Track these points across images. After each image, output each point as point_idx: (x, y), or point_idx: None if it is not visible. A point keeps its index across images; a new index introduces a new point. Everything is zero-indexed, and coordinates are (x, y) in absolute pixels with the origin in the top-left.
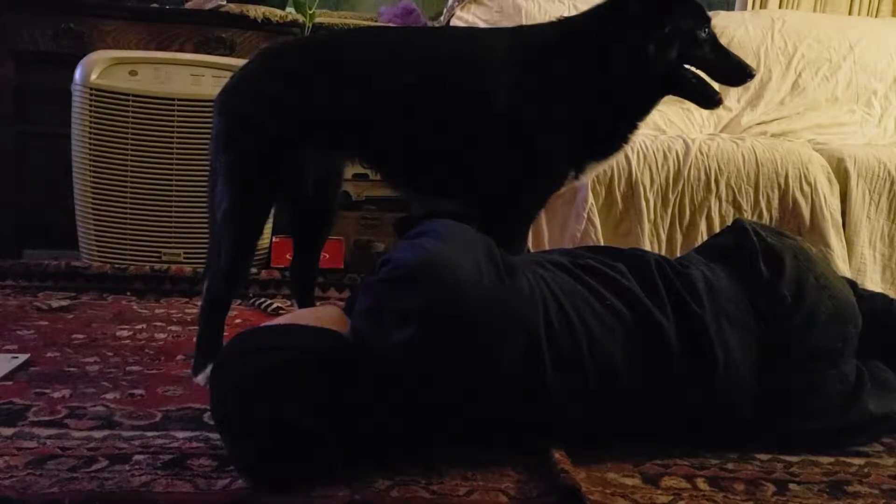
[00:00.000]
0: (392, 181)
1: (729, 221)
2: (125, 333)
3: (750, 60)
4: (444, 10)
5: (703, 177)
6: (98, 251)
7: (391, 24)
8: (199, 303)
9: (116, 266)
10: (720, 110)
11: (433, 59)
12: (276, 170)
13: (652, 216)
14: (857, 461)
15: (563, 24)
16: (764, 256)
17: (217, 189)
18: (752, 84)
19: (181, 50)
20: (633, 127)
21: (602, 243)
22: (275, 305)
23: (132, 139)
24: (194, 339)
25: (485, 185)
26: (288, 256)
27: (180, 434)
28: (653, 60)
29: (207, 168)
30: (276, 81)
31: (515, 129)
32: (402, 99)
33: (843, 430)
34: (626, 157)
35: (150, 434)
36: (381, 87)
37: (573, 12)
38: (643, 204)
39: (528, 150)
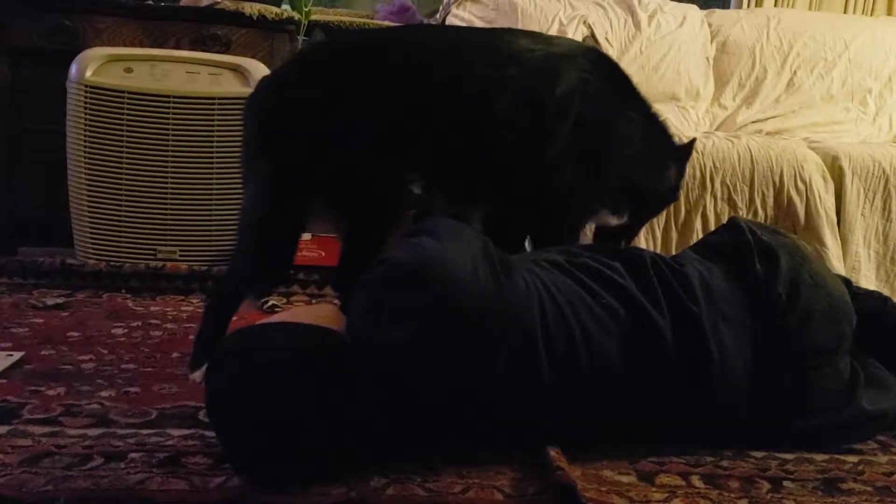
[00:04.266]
0: (432, 186)
1: (724, 219)
2: (120, 331)
3: (745, 58)
4: (440, 8)
5: (698, 175)
6: (93, 248)
7: (390, 22)
8: (195, 300)
9: (112, 263)
10: (715, 108)
11: (489, 62)
12: (312, 176)
13: None
14: (852, 459)
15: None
16: (759, 255)
17: (250, 195)
18: (748, 82)
19: (177, 47)
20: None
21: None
22: (270, 303)
23: (127, 136)
24: (190, 337)
25: (539, 194)
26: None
27: (176, 432)
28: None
29: (203, 165)
30: (314, 85)
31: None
32: (450, 102)
33: (838, 428)
34: None
35: (145, 432)
36: (429, 91)
37: (568, 10)
38: None
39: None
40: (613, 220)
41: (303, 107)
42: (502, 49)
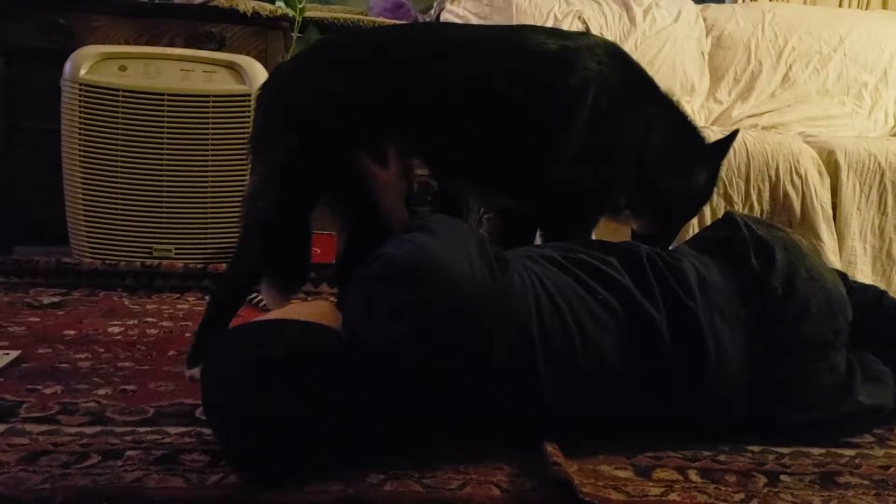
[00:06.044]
0: (453, 179)
1: (720, 214)
2: (116, 329)
3: (741, 53)
4: (435, 4)
5: None
6: (89, 247)
7: (384, 18)
8: (191, 298)
9: (107, 262)
10: (711, 103)
11: (508, 55)
12: (327, 168)
13: None
14: (848, 452)
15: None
16: (755, 249)
17: (259, 183)
18: (743, 76)
19: (171, 45)
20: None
21: (593, 237)
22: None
23: (122, 134)
24: (187, 335)
25: (555, 188)
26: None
27: (172, 429)
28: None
29: (198, 162)
30: (340, 74)
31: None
32: (470, 95)
33: (835, 422)
34: None
35: (142, 430)
36: (451, 84)
37: (563, 6)
38: None
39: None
40: (635, 223)
41: (328, 94)
42: (520, 43)
